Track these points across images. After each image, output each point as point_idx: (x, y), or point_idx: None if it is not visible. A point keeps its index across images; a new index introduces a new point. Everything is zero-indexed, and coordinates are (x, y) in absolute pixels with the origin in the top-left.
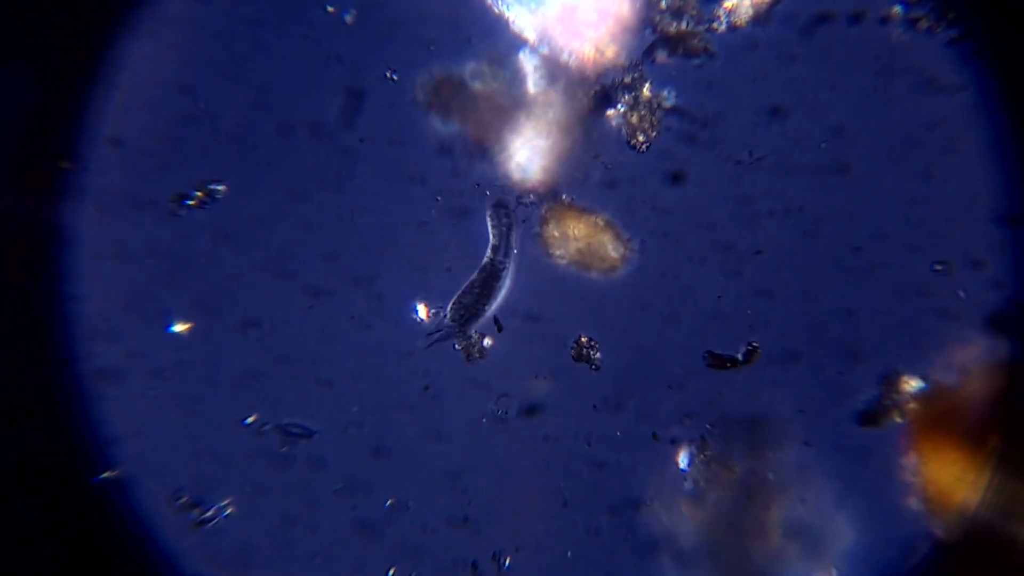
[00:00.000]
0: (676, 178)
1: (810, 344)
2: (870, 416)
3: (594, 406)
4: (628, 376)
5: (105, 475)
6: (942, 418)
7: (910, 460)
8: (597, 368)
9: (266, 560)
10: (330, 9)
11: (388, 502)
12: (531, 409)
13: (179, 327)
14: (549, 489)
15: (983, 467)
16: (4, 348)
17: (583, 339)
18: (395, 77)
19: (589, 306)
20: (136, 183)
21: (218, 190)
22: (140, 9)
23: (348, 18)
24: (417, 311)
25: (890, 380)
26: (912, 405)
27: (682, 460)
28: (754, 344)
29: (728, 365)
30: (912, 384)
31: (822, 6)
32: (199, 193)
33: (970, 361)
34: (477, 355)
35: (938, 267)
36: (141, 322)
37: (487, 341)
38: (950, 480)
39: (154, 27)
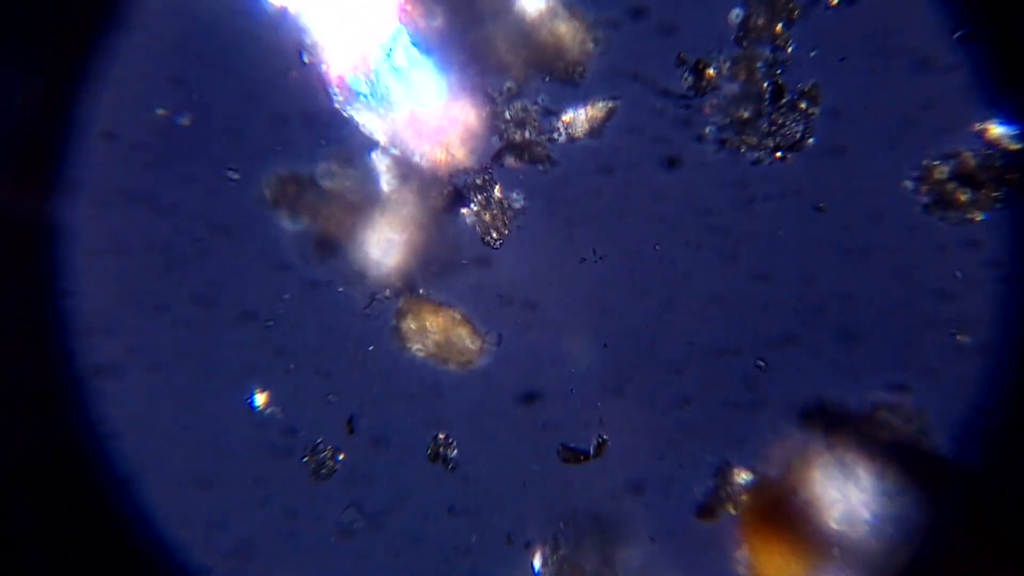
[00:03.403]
0: (672, 163)
1: (805, 328)
2: (706, 509)
3: (449, 509)
4: (484, 473)
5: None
6: (771, 511)
7: (743, 553)
8: (453, 468)
9: (268, 552)
10: (160, 112)
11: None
12: (530, 397)
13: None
14: None
15: (812, 561)
16: (2, 346)
17: (441, 436)
18: (236, 176)
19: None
20: (130, 177)
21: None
22: (131, 1)
23: (184, 121)
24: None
25: (723, 472)
26: (744, 497)
27: (536, 562)
28: (603, 437)
29: (581, 459)
30: (742, 476)
31: None
32: None
33: (794, 453)
34: (325, 472)
35: (760, 363)
36: (139, 316)
37: (340, 456)
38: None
39: (145, 19)
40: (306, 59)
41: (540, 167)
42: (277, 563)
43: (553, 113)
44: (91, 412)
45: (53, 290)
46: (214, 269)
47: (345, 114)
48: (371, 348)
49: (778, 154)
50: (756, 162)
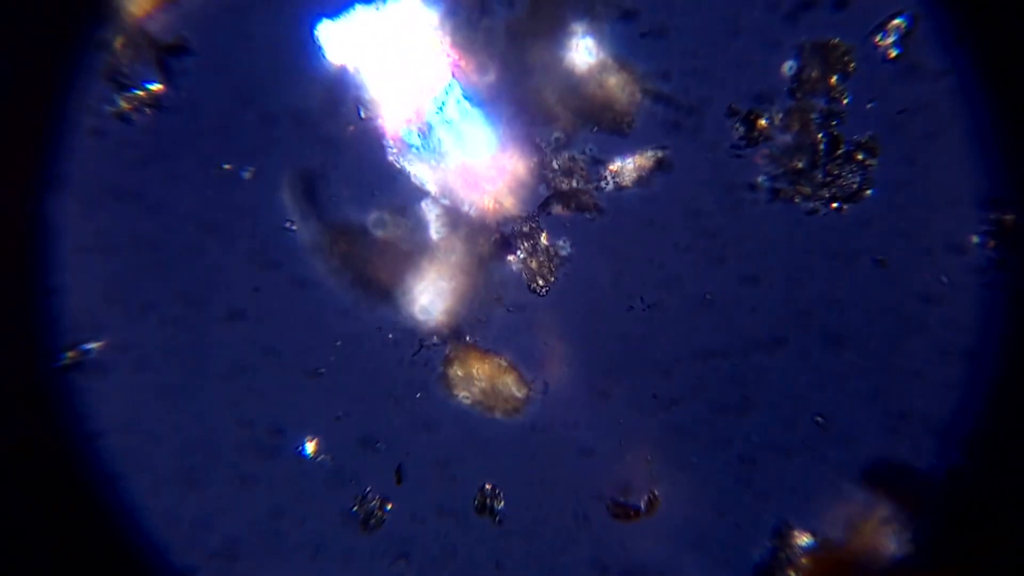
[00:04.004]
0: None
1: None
2: (765, 571)
3: (496, 564)
4: (531, 527)
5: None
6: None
7: None
8: (500, 520)
9: (254, 552)
10: (226, 166)
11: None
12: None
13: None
14: None
15: None
16: None
17: (488, 486)
18: (293, 228)
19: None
20: (118, 174)
21: (91, 349)
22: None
23: (246, 175)
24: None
25: (782, 533)
26: (804, 561)
27: None
28: (655, 493)
29: (632, 515)
30: (803, 539)
31: None
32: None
33: (857, 516)
34: (374, 523)
35: (818, 419)
36: (125, 314)
37: (388, 506)
38: None
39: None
40: (363, 114)
41: (587, 215)
42: (263, 563)
43: (601, 162)
44: (76, 410)
45: (39, 287)
46: (203, 267)
47: (398, 166)
48: (419, 395)
49: (834, 204)
50: (812, 212)
